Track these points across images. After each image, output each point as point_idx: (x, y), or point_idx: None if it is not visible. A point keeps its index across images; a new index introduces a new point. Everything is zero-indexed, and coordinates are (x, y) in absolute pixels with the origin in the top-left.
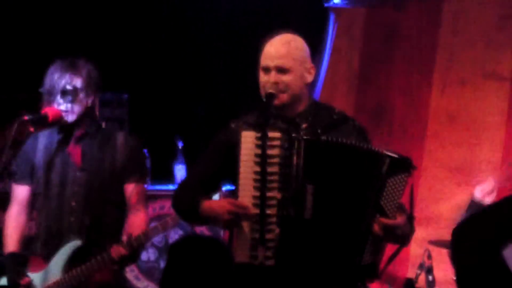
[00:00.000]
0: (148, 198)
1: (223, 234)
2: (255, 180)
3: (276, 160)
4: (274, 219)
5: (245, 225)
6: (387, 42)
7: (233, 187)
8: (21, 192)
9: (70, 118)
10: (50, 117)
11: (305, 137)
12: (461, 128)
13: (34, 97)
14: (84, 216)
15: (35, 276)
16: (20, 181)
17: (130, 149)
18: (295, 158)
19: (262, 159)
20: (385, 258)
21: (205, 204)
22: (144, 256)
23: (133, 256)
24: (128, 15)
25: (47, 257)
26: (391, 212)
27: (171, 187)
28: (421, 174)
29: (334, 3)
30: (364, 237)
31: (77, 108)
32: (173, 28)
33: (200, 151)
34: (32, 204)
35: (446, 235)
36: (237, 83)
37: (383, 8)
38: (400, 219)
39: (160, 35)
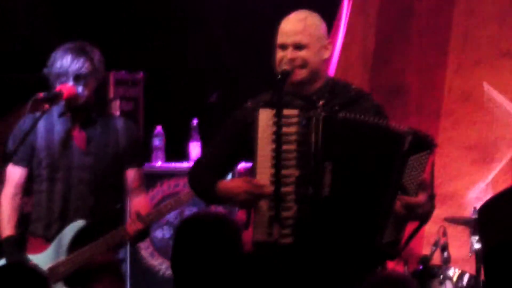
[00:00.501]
0: (163, 176)
1: (238, 211)
2: (272, 158)
3: (293, 137)
4: (291, 197)
5: (262, 203)
6: (402, 21)
7: (249, 164)
8: (17, 174)
9: (80, 101)
10: (65, 95)
11: (323, 114)
12: (475, 107)
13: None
14: (89, 199)
15: (36, 258)
16: (18, 163)
17: (131, 135)
18: (313, 135)
19: (279, 137)
20: (405, 235)
21: (222, 184)
22: (159, 233)
23: (145, 232)
24: None
25: (49, 239)
26: (413, 190)
27: (185, 164)
28: (436, 152)
29: None
30: (385, 215)
31: (86, 92)
32: (189, 7)
33: (215, 128)
34: (27, 186)
35: (461, 212)
36: (253, 66)
37: None
38: (421, 197)
39: (176, 14)
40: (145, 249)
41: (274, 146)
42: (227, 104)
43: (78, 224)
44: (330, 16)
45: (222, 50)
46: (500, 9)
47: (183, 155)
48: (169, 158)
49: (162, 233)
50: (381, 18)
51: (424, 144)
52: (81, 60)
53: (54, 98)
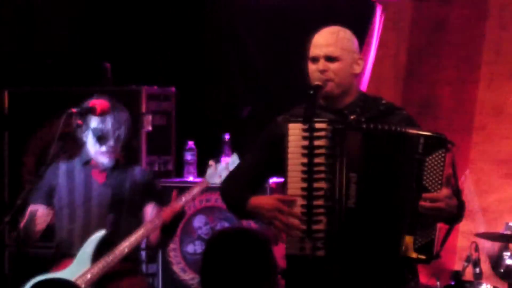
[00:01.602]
0: None
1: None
2: (303, 172)
3: (322, 151)
4: (321, 210)
5: (294, 217)
6: (434, 36)
7: (281, 180)
8: (38, 208)
9: (108, 161)
10: (99, 110)
11: (341, 126)
12: (507, 121)
13: (82, 91)
14: (109, 217)
15: (62, 273)
16: (35, 201)
17: (147, 175)
18: (338, 148)
19: (309, 151)
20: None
21: (253, 199)
22: (190, 248)
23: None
24: (178, 9)
25: (72, 255)
26: (435, 190)
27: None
28: (468, 166)
29: None
30: (412, 218)
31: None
32: (223, 22)
33: (247, 143)
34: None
35: (493, 227)
36: (284, 82)
37: (430, 1)
38: (444, 192)
39: (209, 28)
40: (176, 264)
41: (303, 159)
42: (259, 119)
43: (99, 234)
44: (362, 31)
45: (254, 65)
46: None
47: None
48: (201, 173)
49: (193, 248)
50: (413, 31)
51: (438, 144)
52: (122, 128)
53: (87, 113)
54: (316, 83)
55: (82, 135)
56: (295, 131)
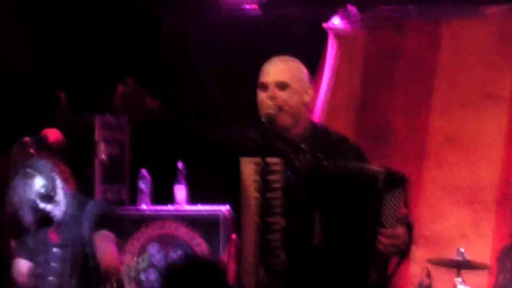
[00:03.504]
0: (148, 219)
1: (223, 254)
2: (257, 206)
3: (277, 185)
4: (278, 244)
5: (248, 250)
6: (387, 65)
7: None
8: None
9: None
10: (50, 139)
11: (306, 165)
12: (460, 148)
13: (35, 120)
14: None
15: None
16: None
17: (101, 217)
18: (298, 185)
19: (263, 186)
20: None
21: None
22: (143, 276)
23: None
24: (133, 37)
25: None
26: (392, 226)
27: (171, 207)
28: (421, 193)
29: (333, 24)
30: (369, 255)
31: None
32: (173, 56)
33: (200, 172)
34: None
35: (445, 254)
36: (236, 106)
37: (383, 30)
38: (400, 230)
39: (159, 56)
40: None
41: (257, 194)
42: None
43: None
44: (315, 60)
45: (207, 92)
46: (484, 51)
47: (169, 198)
48: (154, 201)
49: (146, 276)
50: (366, 61)
51: (397, 180)
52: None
53: (39, 143)
54: (268, 111)
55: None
56: (248, 166)
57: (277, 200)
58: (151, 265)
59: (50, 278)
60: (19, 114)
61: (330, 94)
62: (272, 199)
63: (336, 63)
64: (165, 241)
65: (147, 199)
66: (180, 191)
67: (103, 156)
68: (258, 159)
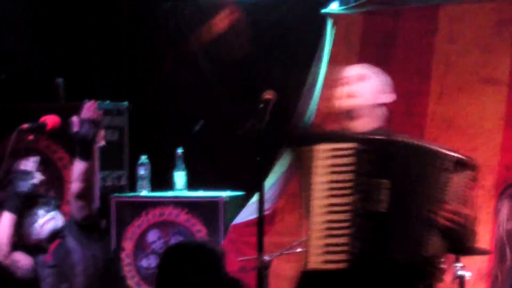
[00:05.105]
0: (148, 205)
1: (223, 240)
2: (329, 189)
3: (349, 168)
4: (346, 224)
5: (317, 232)
6: (384, 49)
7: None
8: None
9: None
10: (49, 125)
11: (372, 138)
12: (458, 133)
13: (33, 107)
14: None
15: None
16: None
17: None
18: (369, 156)
19: (336, 169)
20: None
21: None
22: (144, 262)
23: None
24: (132, 25)
25: None
26: (457, 205)
27: (170, 193)
28: None
29: (331, 9)
30: (429, 228)
31: None
32: (174, 38)
33: (199, 157)
34: None
35: None
36: (235, 96)
37: (380, 15)
38: (462, 209)
39: (161, 44)
40: (131, 278)
41: (329, 177)
42: (211, 134)
43: None
44: (313, 45)
45: (206, 80)
46: (481, 35)
47: (168, 184)
48: (154, 187)
49: (147, 262)
50: (363, 45)
51: (467, 165)
52: None
53: (38, 129)
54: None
55: None
56: (321, 151)
57: (348, 182)
58: (152, 252)
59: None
60: (17, 102)
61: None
62: (344, 181)
63: (334, 48)
64: (166, 227)
65: (147, 186)
66: (180, 177)
67: (103, 142)
68: (330, 144)
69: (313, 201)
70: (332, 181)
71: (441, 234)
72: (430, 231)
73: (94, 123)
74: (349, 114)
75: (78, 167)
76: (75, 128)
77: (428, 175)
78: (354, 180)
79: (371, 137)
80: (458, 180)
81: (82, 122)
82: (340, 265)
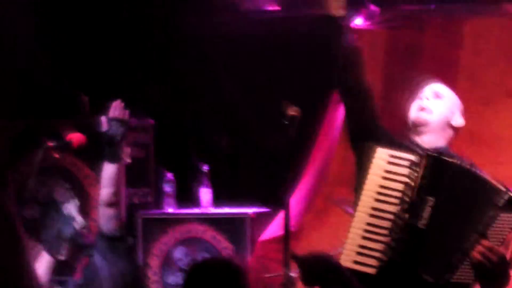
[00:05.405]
0: (174, 222)
1: (249, 257)
2: (378, 193)
3: (403, 179)
4: (385, 231)
5: (357, 232)
6: (409, 64)
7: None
8: None
9: None
10: (75, 144)
11: (432, 154)
12: (484, 147)
13: (57, 123)
14: None
15: None
16: None
17: None
18: (420, 170)
19: (390, 176)
20: None
21: None
22: (171, 279)
23: None
24: (158, 42)
25: None
26: (495, 243)
27: (196, 210)
28: None
29: (355, 23)
30: (462, 256)
31: None
32: (201, 56)
33: (224, 174)
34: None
35: None
36: (262, 113)
37: (404, 29)
38: (500, 249)
39: (187, 61)
40: None
41: (382, 182)
42: (236, 150)
43: None
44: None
45: (232, 98)
46: (506, 48)
47: (194, 201)
48: (179, 204)
49: (175, 279)
50: (388, 60)
51: None
52: None
53: (64, 147)
54: (419, 118)
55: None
56: (380, 155)
57: (398, 191)
58: (179, 269)
59: None
60: (41, 117)
61: None
62: (395, 189)
63: None
64: (192, 244)
65: (173, 202)
66: (206, 194)
67: (128, 160)
68: (392, 151)
69: (361, 200)
70: (383, 186)
71: (472, 266)
72: (461, 259)
73: (122, 123)
74: (419, 128)
75: (108, 170)
76: (104, 128)
77: (478, 205)
78: (403, 191)
79: (430, 153)
80: (505, 219)
81: (110, 121)
82: (369, 270)
